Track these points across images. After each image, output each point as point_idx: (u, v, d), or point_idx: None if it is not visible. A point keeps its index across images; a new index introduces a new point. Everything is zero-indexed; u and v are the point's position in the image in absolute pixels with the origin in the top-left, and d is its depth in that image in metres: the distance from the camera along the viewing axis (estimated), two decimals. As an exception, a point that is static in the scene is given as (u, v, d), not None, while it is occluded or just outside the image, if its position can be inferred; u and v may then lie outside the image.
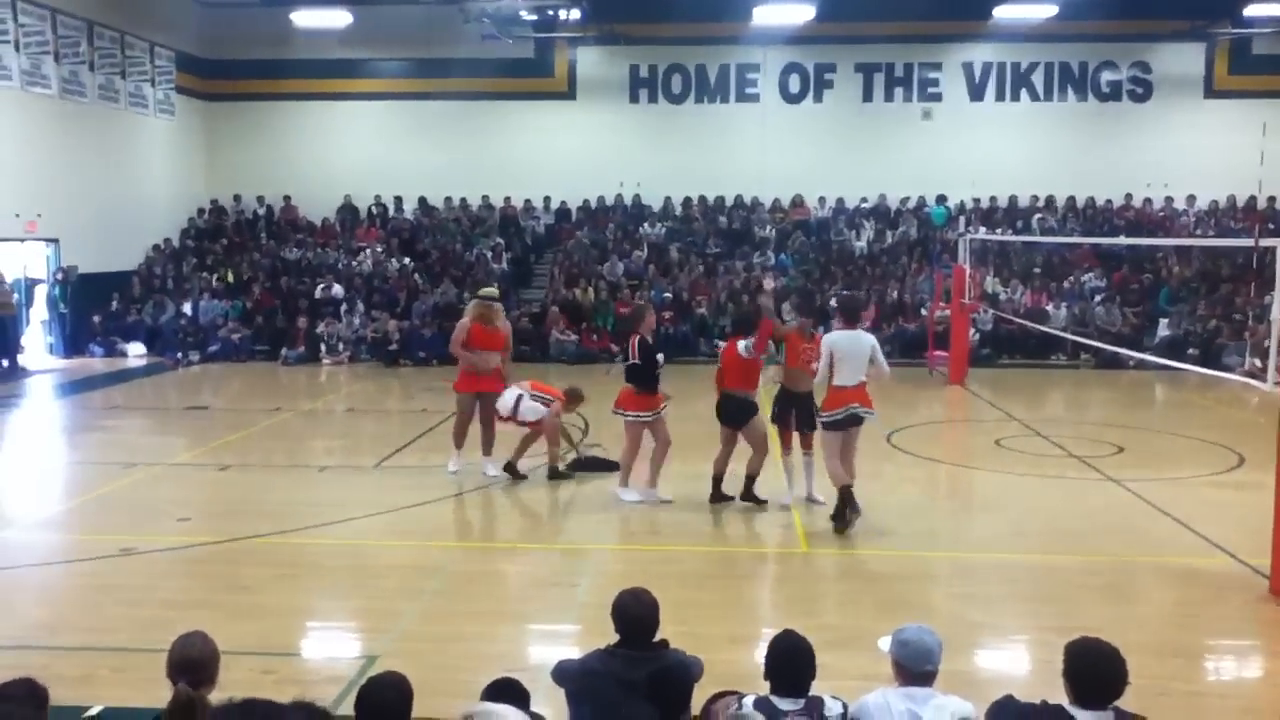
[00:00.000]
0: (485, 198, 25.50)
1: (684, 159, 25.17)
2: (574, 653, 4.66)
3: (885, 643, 4.15)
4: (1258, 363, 17.04)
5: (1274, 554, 7.34)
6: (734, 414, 9.41)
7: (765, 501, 9.57)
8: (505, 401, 10.68)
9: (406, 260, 23.63)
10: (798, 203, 25.12)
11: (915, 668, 4.01)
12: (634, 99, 25.66)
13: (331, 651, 6.68)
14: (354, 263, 23.75)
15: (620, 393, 9.81)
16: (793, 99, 25.47)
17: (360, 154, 25.64)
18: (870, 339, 9.12)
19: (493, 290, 11.66)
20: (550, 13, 23.16)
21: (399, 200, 25.58)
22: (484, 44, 23.77)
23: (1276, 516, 7.27)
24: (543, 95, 25.50)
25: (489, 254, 23.77)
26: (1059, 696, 3.79)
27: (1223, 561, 8.22)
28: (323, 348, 20.82)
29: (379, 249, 24.08)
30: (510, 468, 10.68)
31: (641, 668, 4.15)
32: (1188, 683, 6.14)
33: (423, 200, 25.59)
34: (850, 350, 8.85)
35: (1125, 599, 7.49)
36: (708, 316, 21.57)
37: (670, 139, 25.28)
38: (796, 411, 9.47)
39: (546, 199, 25.54)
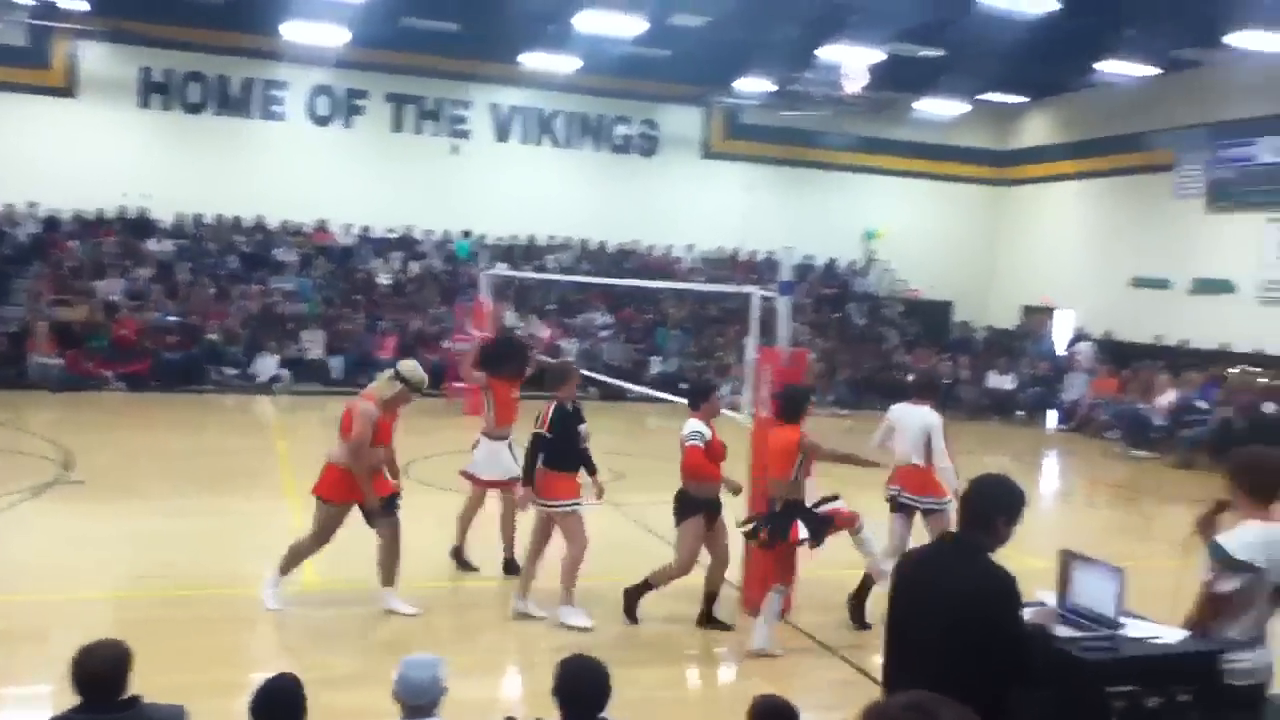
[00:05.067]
0: (-44, 198, 22.27)
1: (200, 173, 23.65)
2: (40, 719, 4.17)
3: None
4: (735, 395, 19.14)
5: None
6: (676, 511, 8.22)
7: (731, 627, 7.99)
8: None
9: None
10: (321, 228, 24.55)
11: (412, 701, 4.10)
12: (145, 104, 23.75)
13: None
14: None
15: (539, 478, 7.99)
16: (321, 121, 24.94)
17: None
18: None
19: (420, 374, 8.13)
20: (50, -1, 20.83)
21: None
22: (-36, 23, 20.92)
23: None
24: (36, 89, 22.79)
25: (-42, 262, 20.81)
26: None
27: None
28: None
29: None
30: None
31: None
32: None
33: (-128, 195, 21.83)
34: None
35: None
36: (219, 342, 20.41)
37: (185, 150, 23.65)
38: None
39: (33, 205, 22.77)
